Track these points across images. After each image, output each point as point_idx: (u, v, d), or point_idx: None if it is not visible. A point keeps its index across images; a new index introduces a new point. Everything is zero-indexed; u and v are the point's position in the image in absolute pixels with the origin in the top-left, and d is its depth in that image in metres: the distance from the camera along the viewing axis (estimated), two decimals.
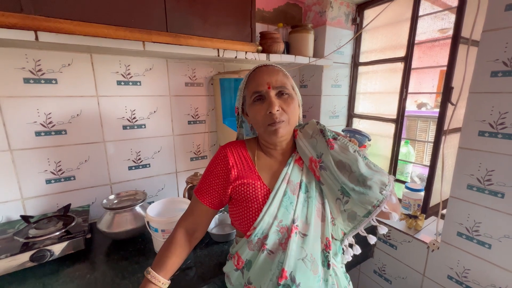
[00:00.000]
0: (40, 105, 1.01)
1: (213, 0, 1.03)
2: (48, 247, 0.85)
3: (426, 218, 1.13)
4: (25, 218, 0.96)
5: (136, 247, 0.98)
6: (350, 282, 0.77)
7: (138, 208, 1.02)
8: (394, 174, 1.52)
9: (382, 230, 0.65)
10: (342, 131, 1.53)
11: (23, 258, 0.82)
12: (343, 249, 0.73)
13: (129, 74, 1.16)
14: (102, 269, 0.86)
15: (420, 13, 1.30)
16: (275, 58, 1.30)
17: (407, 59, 1.37)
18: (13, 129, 0.98)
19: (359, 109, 1.70)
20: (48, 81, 1.01)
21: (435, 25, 1.28)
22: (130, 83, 1.17)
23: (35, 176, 1.04)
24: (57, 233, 0.91)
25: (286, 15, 1.57)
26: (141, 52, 1.03)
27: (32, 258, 0.82)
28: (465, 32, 0.90)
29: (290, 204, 0.67)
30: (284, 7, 1.55)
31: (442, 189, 1.03)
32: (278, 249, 0.65)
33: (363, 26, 1.56)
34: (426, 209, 1.05)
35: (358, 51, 1.63)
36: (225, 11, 1.01)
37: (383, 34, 1.50)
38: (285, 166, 0.71)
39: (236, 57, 1.16)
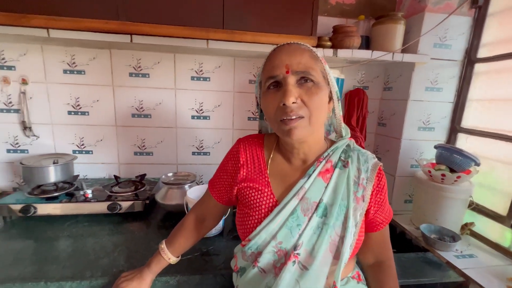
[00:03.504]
0: (137, 94, 1.31)
1: None
2: (120, 202, 1.10)
3: None
4: (116, 177, 1.27)
5: (177, 221, 1.10)
6: None
7: (186, 187, 1.15)
8: None
9: None
10: (435, 147, 1.18)
11: (104, 205, 1.08)
12: None
13: (201, 71, 1.32)
14: (146, 231, 1.03)
15: None
16: (344, 54, 1.15)
17: None
18: (119, 110, 1.31)
19: (468, 121, 1.25)
20: (144, 75, 1.29)
21: None
22: (201, 79, 1.33)
23: (127, 148, 1.36)
24: (129, 194, 1.14)
25: (374, 6, 1.35)
26: (207, 50, 1.15)
27: (108, 207, 1.08)
28: None
29: (297, 226, 0.56)
30: None
31: None
32: (270, 270, 0.56)
33: (487, 9, 1.13)
34: None
35: (477, 43, 1.20)
36: (282, 4, 0.98)
37: None
38: (303, 177, 0.59)
39: None
